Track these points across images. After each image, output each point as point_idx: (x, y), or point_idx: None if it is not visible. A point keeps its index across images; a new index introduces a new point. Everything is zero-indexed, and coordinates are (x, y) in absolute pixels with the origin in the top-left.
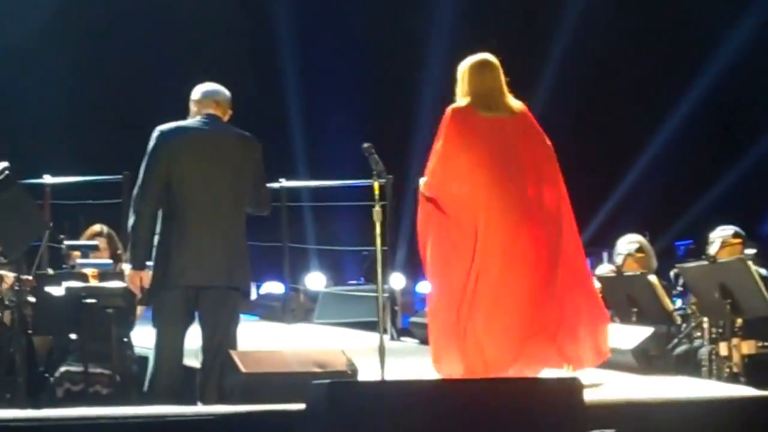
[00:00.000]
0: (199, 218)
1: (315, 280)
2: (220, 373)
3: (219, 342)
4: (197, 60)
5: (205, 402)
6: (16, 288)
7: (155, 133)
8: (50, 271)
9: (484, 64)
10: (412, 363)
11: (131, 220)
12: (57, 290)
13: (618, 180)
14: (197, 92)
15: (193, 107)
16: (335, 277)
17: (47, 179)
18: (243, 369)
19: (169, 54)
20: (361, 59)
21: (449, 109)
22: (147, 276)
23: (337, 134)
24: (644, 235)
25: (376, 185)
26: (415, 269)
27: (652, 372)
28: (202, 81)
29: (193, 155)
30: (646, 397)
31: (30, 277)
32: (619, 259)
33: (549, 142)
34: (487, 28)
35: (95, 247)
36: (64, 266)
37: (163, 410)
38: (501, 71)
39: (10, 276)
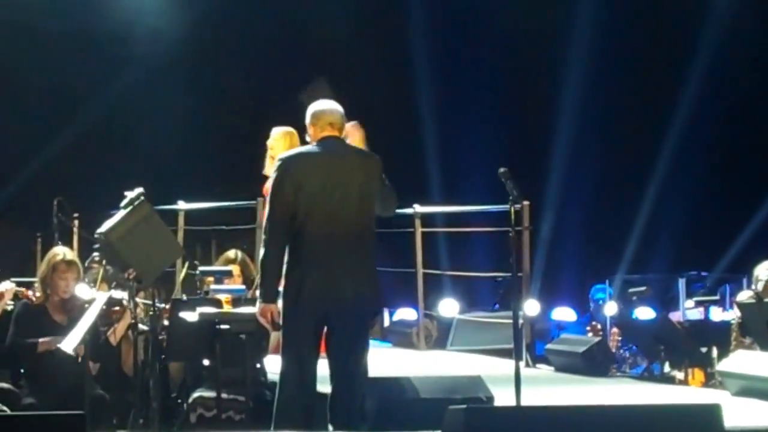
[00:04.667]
0: (327, 243)
1: (448, 307)
2: (352, 398)
3: (350, 367)
4: (331, 85)
5: (336, 428)
6: (151, 314)
7: (277, 163)
8: (184, 297)
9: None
10: (547, 390)
11: (261, 252)
12: (191, 316)
13: (757, 206)
14: (310, 115)
15: (309, 130)
16: (469, 304)
17: (181, 205)
18: (379, 395)
19: (302, 81)
20: (497, 83)
21: None
22: (276, 309)
23: (472, 159)
24: None
25: (512, 211)
26: (549, 295)
27: None
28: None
29: (317, 180)
30: None
31: (165, 306)
32: (759, 286)
33: None
34: (624, 51)
35: (229, 273)
36: (198, 292)
37: None
38: None
39: (143, 302)
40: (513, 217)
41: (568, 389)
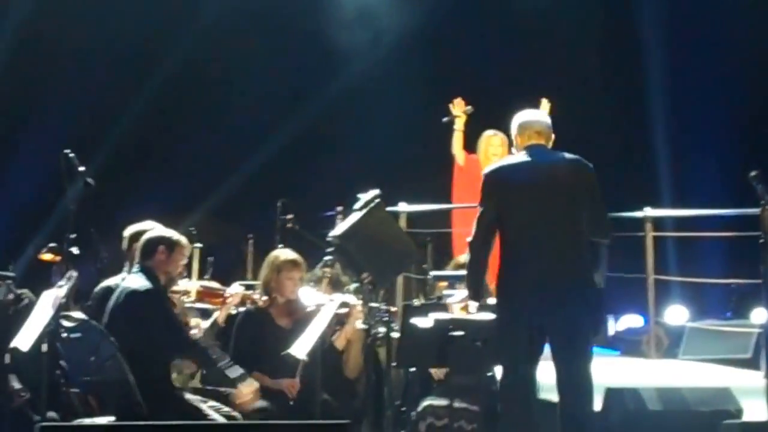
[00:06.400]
0: (535, 252)
1: (676, 314)
2: (578, 408)
3: (572, 377)
4: (556, 88)
5: None
6: (385, 319)
7: (483, 179)
8: (416, 302)
9: None
10: None
11: (467, 258)
12: (423, 322)
13: None
14: (515, 126)
15: (515, 141)
16: (698, 311)
17: (402, 207)
18: (624, 406)
19: (525, 79)
20: (730, 82)
21: None
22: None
23: (703, 160)
24: None
25: (765, 215)
26: None
27: None
28: (563, 112)
29: (521, 190)
30: None
31: (394, 308)
32: None
33: None
34: None
35: (462, 278)
36: (430, 297)
37: None
38: None
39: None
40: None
41: None
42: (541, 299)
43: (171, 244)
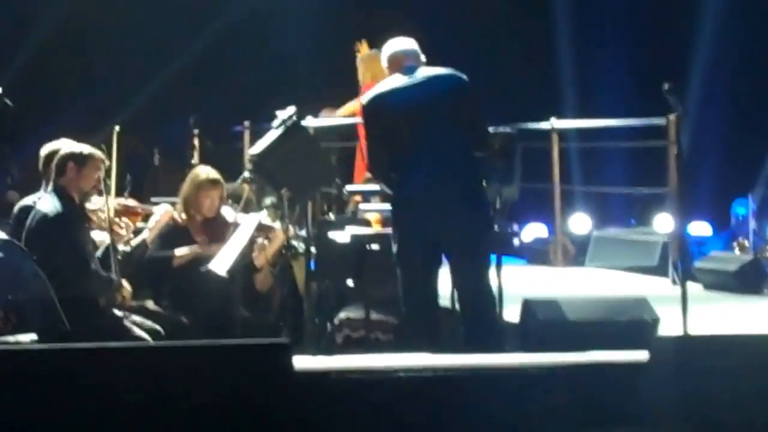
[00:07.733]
0: (424, 170)
1: (580, 223)
2: (477, 314)
3: (469, 287)
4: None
5: (469, 344)
6: (302, 235)
7: (363, 107)
8: (331, 217)
9: None
10: (704, 309)
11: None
12: (341, 236)
13: None
14: (385, 59)
15: (387, 72)
16: (601, 220)
17: (309, 121)
18: (540, 316)
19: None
20: None
21: None
22: None
23: (607, 69)
24: None
25: (675, 125)
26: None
27: None
28: (461, 20)
29: (404, 112)
30: None
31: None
32: None
33: None
34: None
35: (376, 192)
36: (345, 211)
37: (470, 360)
38: None
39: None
40: (675, 131)
41: (725, 308)
42: (435, 215)
43: (80, 159)
